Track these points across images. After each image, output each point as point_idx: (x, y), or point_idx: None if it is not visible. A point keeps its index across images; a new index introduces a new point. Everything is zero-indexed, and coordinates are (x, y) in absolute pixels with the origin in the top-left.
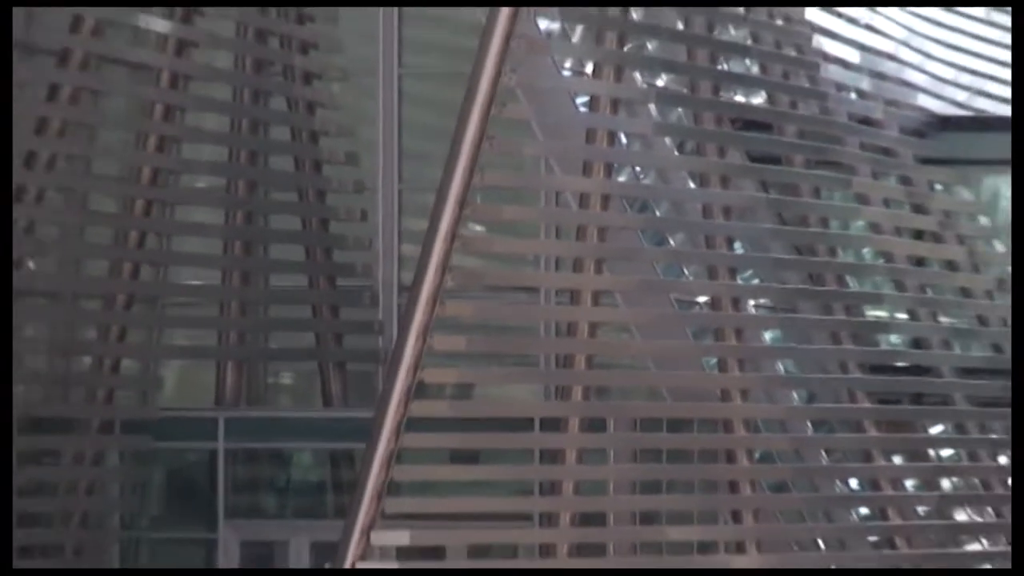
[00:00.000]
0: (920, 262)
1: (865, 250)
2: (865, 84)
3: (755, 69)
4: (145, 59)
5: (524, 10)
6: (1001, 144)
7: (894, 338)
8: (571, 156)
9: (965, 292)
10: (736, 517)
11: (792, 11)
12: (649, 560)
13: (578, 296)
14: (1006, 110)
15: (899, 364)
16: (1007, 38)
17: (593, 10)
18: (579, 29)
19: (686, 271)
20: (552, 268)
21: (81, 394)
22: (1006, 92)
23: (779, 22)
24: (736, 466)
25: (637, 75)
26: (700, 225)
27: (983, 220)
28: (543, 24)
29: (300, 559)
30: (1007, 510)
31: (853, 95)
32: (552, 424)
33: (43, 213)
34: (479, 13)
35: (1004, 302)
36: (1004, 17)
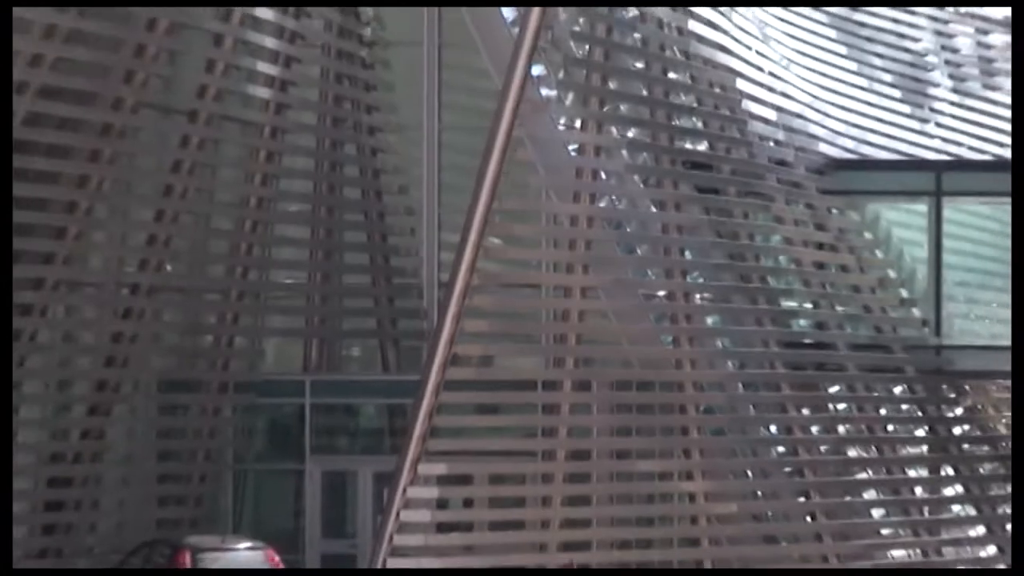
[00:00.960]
0: (821, 266)
1: (781, 257)
2: (780, 135)
3: (700, 124)
4: (253, 117)
5: (529, 80)
6: (880, 180)
7: (802, 322)
8: (564, 187)
9: (854, 288)
10: (687, 454)
11: (727, 82)
12: (622, 486)
13: (569, 291)
14: (883, 154)
15: (806, 341)
16: (886, 101)
17: (581, 80)
18: (570, 95)
19: (650, 272)
20: (551, 270)
21: (205, 363)
22: (883, 140)
23: (717, 90)
24: (686, 416)
25: (613, 129)
26: (659, 239)
27: (867, 235)
28: (544, 91)
29: (366, 485)
30: (887, 448)
31: (771, 143)
32: (550, 385)
33: (178, 230)
34: (497, 82)
35: (883, 295)
36: (884, 87)
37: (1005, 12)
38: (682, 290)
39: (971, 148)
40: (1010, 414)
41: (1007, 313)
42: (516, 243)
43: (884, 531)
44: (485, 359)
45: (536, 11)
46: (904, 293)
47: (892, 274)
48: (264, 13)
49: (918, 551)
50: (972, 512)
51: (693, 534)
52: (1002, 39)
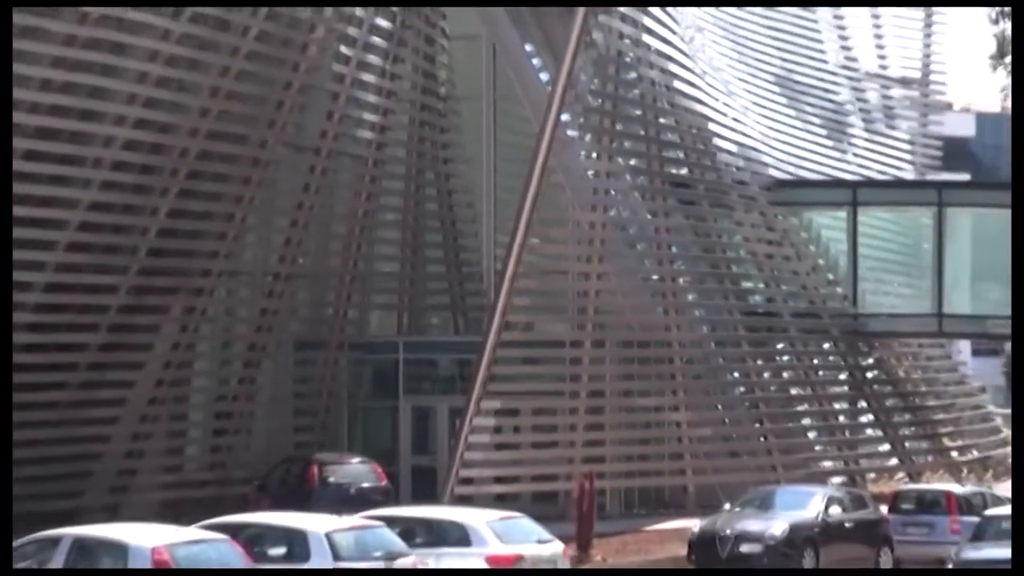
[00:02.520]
0: (769, 256)
1: (741, 251)
2: (740, 163)
3: (681, 155)
4: (360, 152)
5: (559, 124)
6: (811, 194)
7: (756, 297)
8: (584, 201)
9: (794, 272)
10: (674, 392)
11: (701, 124)
12: (627, 416)
13: (588, 276)
14: (814, 176)
15: (759, 311)
16: (815, 138)
17: (596, 124)
18: (588, 135)
19: (646, 262)
20: (575, 261)
21: (327, 329)
22: (814, 166)
23: (694, 131)
24: (673, 365)
25: (619, 159)
26: (653, 238)
27: (803, 234)
28: (569, 132)
29: (443, 416)
30: (818, 387)
31: (734, 169)
32: (575, 344)
33: (307, 233)
34: (536, 126)
35: (815, 277)
36: (814, 128)
37: (903, 72)
38: (670, 275)
39: (878, 171)
40: (910, 363)
41: (905, 290)
42: (550, 241)
43: (816, 447)
44: (528, 325)
45: (564, 74)
46: (830, 276)
47: (821, 262)
48: (368, 77)
49: (841, 462)
50: (880, 434)
51: (678, 451)
52: (899, 92)
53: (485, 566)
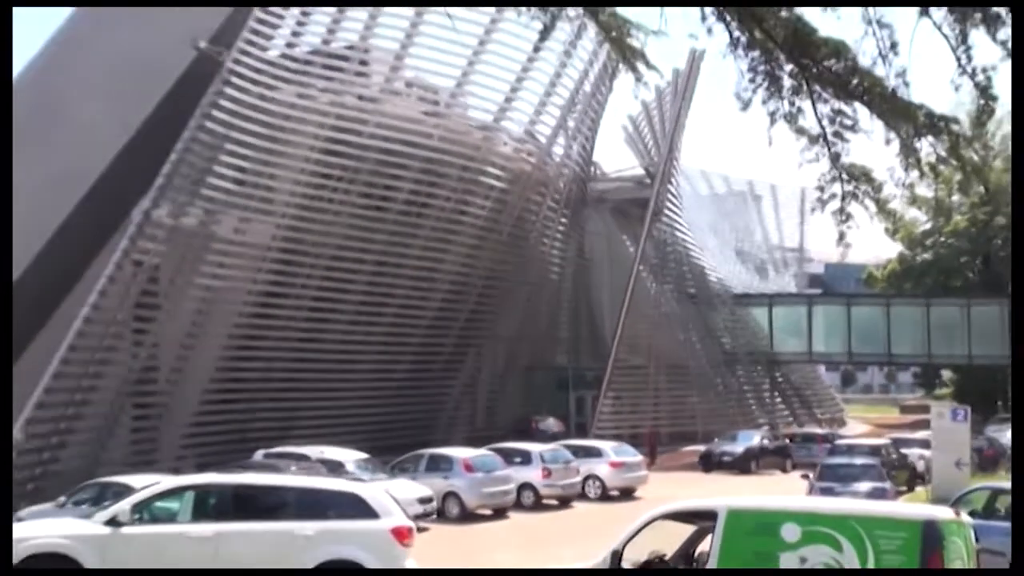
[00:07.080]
0: (733, 328)
1: (721, 325)
2: (719, 285)
3: (690, 279)
4: (550, 284)
5: (637, 270)
6: (751, 300)
7: (728, 346)
8: (650, 304)
9: (743, 333)
10: (690, 389)
11: (699, 266)
12: (669, 400)
13: (651, 337)
14: (753, 291)
15: (729, 351)
16: (752, 275)
17: (655, 269)
18: (650, 275)
19: (678, 330)
20: (646, 330)
21: (537, 360)
22: (752, 287)
23: (696, 267)
24: (690, 376)
25: (664, 285)
26: (681, 320)
27: (747, 319)
28: (644, 274)
29: (588, 401)
30: (747, 383)
31: (716, 287)
32: (646, 367)
33: (527, 322)
34: (628, 271)
35: (753, 335)
36: (752, 270)
37: (790, 243)
38: (689, 336)
39: (780, 290)
40: (797, 374)
41: (794, 342)
42: (635, 322)
43: (756, 413)
44: (626, 360)
45: (640, 248)
46: (760, 335)
47: (757, 331)
48: (554, 252)
49: (767, 419)
50: (784, 407)
51: (693, 415)
52: (790, 254)
53: (610, 469)
